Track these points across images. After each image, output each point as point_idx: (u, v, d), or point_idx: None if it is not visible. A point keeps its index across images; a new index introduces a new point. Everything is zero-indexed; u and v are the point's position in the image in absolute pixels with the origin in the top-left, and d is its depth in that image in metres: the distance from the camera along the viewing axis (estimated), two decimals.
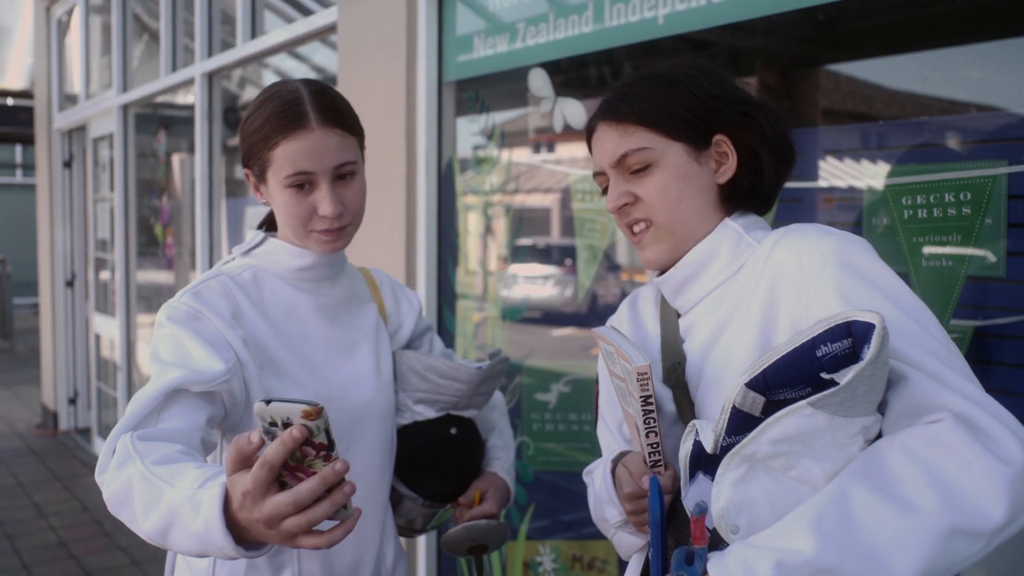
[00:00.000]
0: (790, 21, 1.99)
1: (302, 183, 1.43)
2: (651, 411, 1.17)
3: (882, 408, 1.03)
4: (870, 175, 1.81)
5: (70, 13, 7.18)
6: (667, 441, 1.24)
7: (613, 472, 1.31)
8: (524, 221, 2.85)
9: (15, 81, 12.16)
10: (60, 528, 5.10)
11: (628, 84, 1.29)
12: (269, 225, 1.61)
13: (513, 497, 1.78)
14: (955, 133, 1.70)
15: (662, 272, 1.33)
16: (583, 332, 2.76)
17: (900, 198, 1.72)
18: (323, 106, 1.44)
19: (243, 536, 1.07)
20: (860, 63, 1.93)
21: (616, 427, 1.43)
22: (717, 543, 1.04)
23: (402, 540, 1.98)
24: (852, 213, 1.83)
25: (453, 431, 1.68)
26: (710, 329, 1.25)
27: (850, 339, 0.97)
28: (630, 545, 1.36)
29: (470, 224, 3.03)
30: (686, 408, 1.25)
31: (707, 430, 1.07)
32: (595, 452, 2.65)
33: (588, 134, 1.34)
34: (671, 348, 1.30)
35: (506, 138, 2.88)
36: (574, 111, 2.60)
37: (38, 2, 7.56)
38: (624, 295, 2.62)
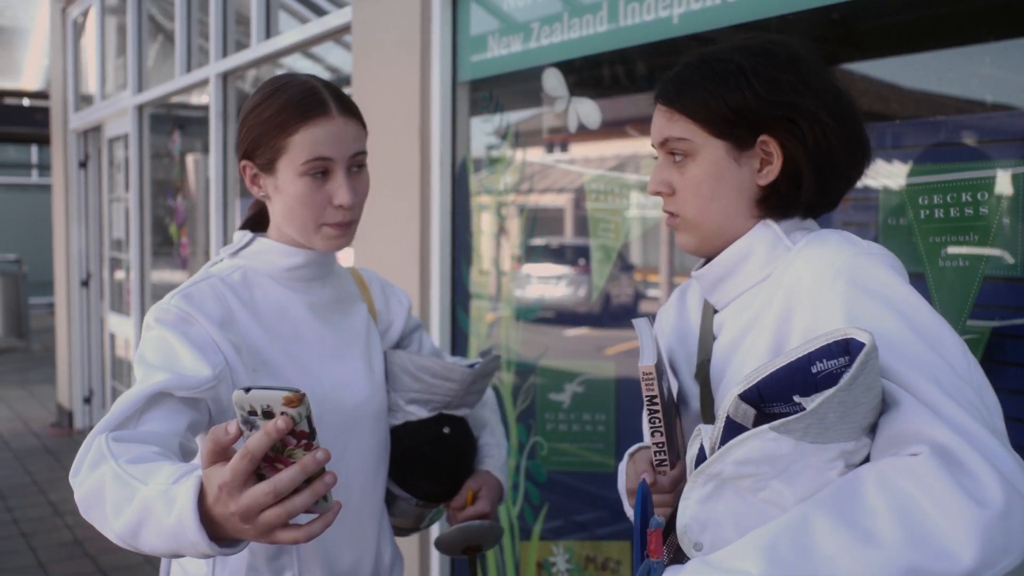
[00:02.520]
0: (805, 20, 1.98)
1: (321, 170, 1.42)
2: (655, 411, 1.17)
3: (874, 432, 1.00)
4: (886, 175, 1.80)
5: (86, 14, 7.22)
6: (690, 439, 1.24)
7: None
8: (538, 221, 2.85)
9: (31, 82, 12.23)
10: (75, 527, 5.12)
11: (687, 66, 1.26)
12: (254, 226, 1.59)
13: (507, 495, 1.77)
14: (971, 132, 1.69)
15: (701, 265, 1.33)
16: (597, 332, 2.75)
17: (916, 198, 1.71)
18: (339, 96, 1.46)
19: (217, 533, 1.05)
20: (875, 62, 1.92)
21: None
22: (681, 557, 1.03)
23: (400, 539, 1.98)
24: (868, 213, 1.82)
25: (446, 430, 1.67)
26: (736, 330, 1.24)
27: (847, 357, 0.94)
28: None
29: (484, 224, 3.03)
30: (708, 406, 1.25)
31: (708, 436, 1.06)
32: (608, 452, 2.64)
33: (654, 101, 1.32)
34: (705, 344, 1.30)
35: (520, 138, 2.88)
36: (588, 111, 2.59)
37: (54, 3, 7.61)
38: (638, 296, 2.61)
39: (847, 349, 0.95)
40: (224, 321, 1.42)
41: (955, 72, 1.74)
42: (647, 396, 1.17)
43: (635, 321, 1.30)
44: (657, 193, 1.28)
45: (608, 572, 2.62)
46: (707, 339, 1.30)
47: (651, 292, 2.59)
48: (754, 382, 0.98)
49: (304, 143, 1.41)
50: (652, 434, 1.19)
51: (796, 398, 0.95)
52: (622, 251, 2.57)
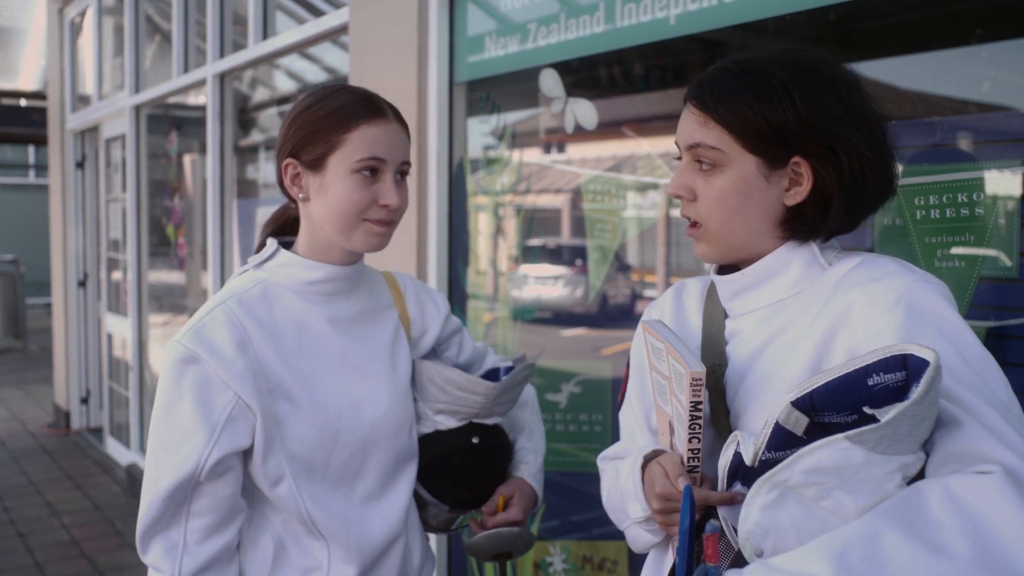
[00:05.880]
0: (802, 21, 1.98)
1: (372, 168, 1.44)
2: (699, 417, 1.15)
3: (927, 447, 1.00)
4: None
5: (83, 14, 7.22)
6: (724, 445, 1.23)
7: (643, 468, 1.29)
8: (535, 221, 2.85)
9: (28, 82, 12.22)
10: (72, 527, 5.12)
11: (726, 72, 1.22)
12: (282, 229, 1.60)
13: (540, 501, 1.76)
14: (968, 133, 1.70)
15: (721, 270, 1.31)
16: (594, 333, 2.75)
17: (913, 198, 1.71)
18: (392, 107, 1.50)
19: None
20: (872, 63, 1.92)
21: (643, 415, 1.42)
22: (739, 561, 1.03)
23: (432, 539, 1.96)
24: None
25: (475, 440, 1.65)
26: (761, 339, 1.23)
27: (904, 372, 0.96)
28: (645, 541, 1.36)
29: (481, 224, 3.03)
30: (720, 411, 1.23)
31: (748, 442, 1.06)
32: None
33: (684, 99, 1.28)
34: (713, 348, 1.29)
35: (517, 138, 2.88)
36: (585, 111, 2.60)
37: (51, 4, 7.60)
38: (634, 296, 2.62)
39: (904, 364, 0.96)
40: (238, 346, 1.43)
41: (952, 73, 1.74)
42: (692, 402, 1.14)
43: (653, 324, 1.27)
44: (677, 196, 1.26)
45: (605, 572, 2.62)
46: (716, 343, 1.29)
47: (648, 292, 2.59)
48: (808, 390, 0.99)
49: (361, 140, 1.44)
50: (690, 440, 1.17)
51: (867, 409, 0.96)
52: (619, 251, 2.57)
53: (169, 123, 6.02)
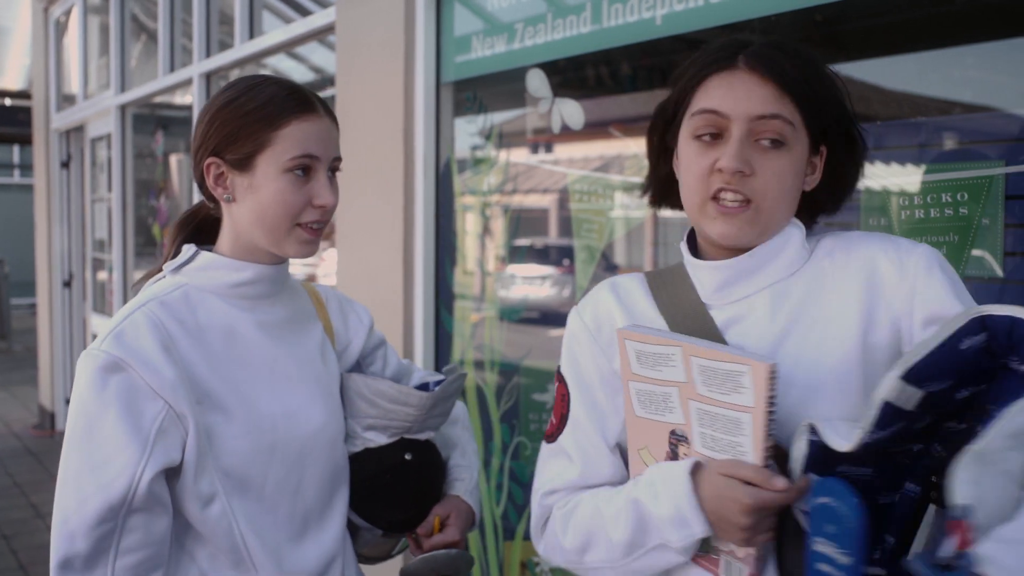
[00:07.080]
0: (788, 21, 1.99)
1: (306, 166, 1.36)
2: (774, 413, 1.10)
3: None
4: (867, 175, 1.81)
5: (68, 13, 7.18)
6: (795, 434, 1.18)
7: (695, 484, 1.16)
8: (522, 221, 2.85)
9: (13, 81, 12.15)
10: None
11: (795, 53, 1.19)
12: (201, 235, 1.49)
13: (478, 520, 1.65)
14: (952, 133, 1.71)
15: (704, 256, 1.28)
16: None
17: (897, 198, 1.72)
18: (320, 98, 1.42)
19: None
20: (858, 63, 1.93)
21: (600, 434, 1.32)
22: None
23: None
24: (850, 213, 1.83)
25: (408, 457, 1.56)
26: (778, 327, 1.20)
27: (986, 332, 0.99)
28: (659, 568, 1.23)
29: (468, 224, 3.03)
30: None
31: (831, 430, 1.05)
32: None
33: (712, 63, 1.20)
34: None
35: (504, 138, 2.88)
36: (572, 111, 2.60)
37: (36, 2, 7.56)
38: None
39: (984, 325, 0.99)
40: (164, 350, 1.32)
41: (937, 74, 1.75)
42: (769, 398, 1.08)
43: (639, 329, 1.22)
44: (737, 171, 1.15)
45: None
46: (708, 336, 1.22)
47: None
48: (911, 364, 1.00)
49: (293, 138, 1.35)
50: (767, 437, 1.10)
51: (1013, 363, 0.98)
52: (606, 251, 2.58)
53: (155, 123, 6.00)
